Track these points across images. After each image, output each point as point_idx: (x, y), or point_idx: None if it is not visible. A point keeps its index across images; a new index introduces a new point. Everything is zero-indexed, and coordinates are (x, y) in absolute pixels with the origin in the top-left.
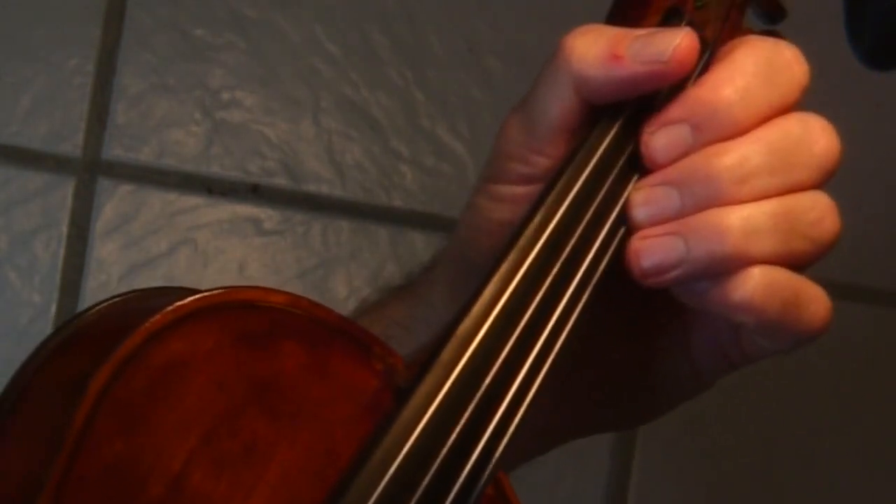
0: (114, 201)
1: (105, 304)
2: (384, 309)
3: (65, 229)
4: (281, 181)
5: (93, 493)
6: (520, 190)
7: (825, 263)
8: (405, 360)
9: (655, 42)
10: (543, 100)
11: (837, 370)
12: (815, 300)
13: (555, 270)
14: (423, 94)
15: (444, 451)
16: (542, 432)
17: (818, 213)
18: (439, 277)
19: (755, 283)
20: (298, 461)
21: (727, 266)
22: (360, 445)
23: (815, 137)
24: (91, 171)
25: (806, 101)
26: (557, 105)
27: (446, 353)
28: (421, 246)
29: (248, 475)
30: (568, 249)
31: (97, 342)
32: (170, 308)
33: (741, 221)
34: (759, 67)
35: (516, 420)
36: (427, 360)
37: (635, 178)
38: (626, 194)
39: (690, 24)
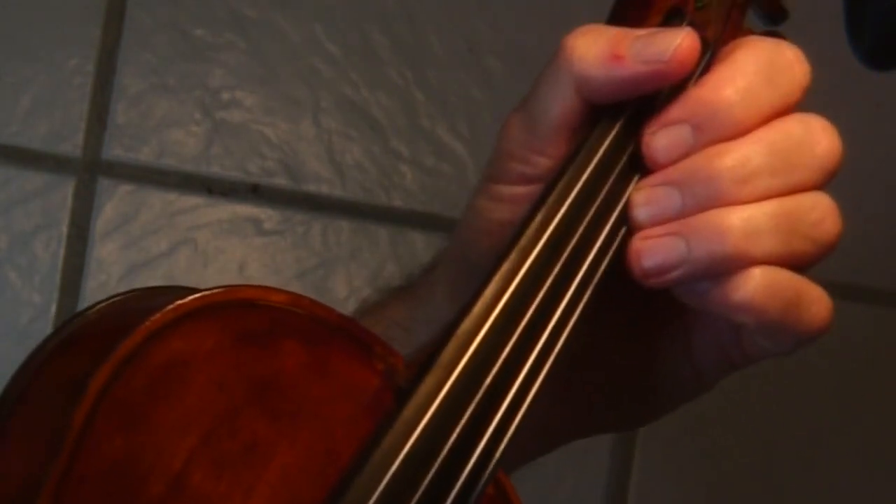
0: (114, 201)
1: (105, 303)
2: (384, 310)
3: (65, 229)
4: (281, 181)
5: (93, 493)
6: (521, 190)
7: (825, 263)
8: (406, 360)
9: (656, 42)
10: (544, 99)
11: (837, 370)
12: (816, 301)
13: (556, 270)
14: (423, 94)
15: (445, 450)
16: (542, 433)
17: (819, 213)
18: (440, 278)
19: (756, 284)
20: (299, 461)
21: (728, 266)
22: (361, 445)
23: (817, 138)
24: (91, 171)
25: (806, 102)
26: (558, 105)
27: (447, 353)
28: (421, 246)
29: (248, 475)
30: (569, 249)
31: (97, 342)
32: (170, 307)
33: (742, 222)
34: (761, 68)
35: (517, 420)
36: (428, 359)
37: (636, 178)
38: (627, 194)
39: (691, 24)
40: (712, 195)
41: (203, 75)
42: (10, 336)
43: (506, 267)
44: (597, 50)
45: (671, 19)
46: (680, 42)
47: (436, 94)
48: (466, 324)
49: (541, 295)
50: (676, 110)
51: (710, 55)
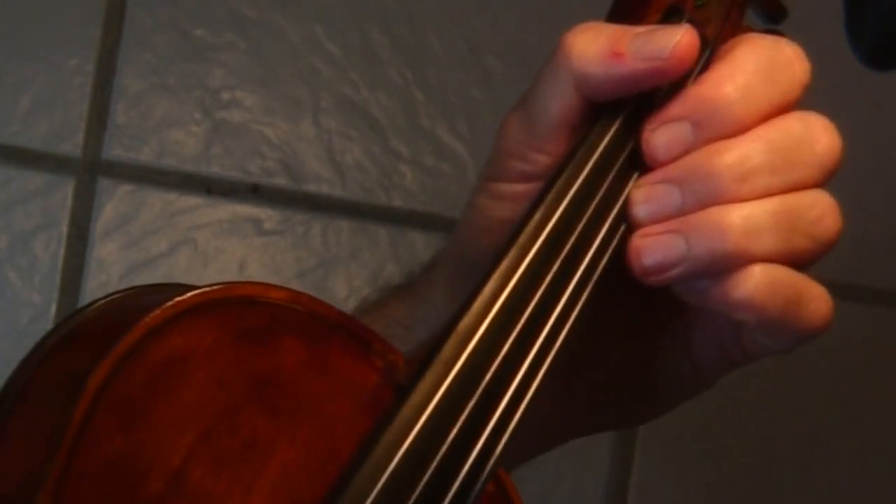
0: (114, 201)
1: (104, 300)
2: (384, 308)
3: (65, 229)
4: (281, 181)
5: (92, 490)
6: (520, 188)
7: (825, 263)
8: (405, 357)
9: (656, 39)
10: (544, 97)
11: (837, 370)
12: (816, 298)
13: (555, 268)
14: (423, 94)
15: (445, 447)
16: (542, 431)
17: (819, 211)
18: (440, 277)
19: (756, 282)
20: (298, 458)
21: (728, 264)
22: (360, 442)
23: (817, 136)
24: (91, 171)
25: (806, 102)
26: (558, 102)
27: (446, 350)
28: (421, 246)
29: (247, 472)
30: (568, 247)
31: (96, 338)
32: (169, 304)
33: (742, 220)
34: (760, 65)
35: (516, 417)
36: (427, 356)
37: (636, 175)
38: (626, 192)
39: (691, 22)
40: (712, 193)
41: (203, 75)
42: (10, 336)
43: (505, 264)
44: (596, 47)
45: (670, 17)
46: (679, 39)
47: (436, 94)
48: (466, 321)
49: (540, 292)
50: (676, 107)
51: (709, 53)
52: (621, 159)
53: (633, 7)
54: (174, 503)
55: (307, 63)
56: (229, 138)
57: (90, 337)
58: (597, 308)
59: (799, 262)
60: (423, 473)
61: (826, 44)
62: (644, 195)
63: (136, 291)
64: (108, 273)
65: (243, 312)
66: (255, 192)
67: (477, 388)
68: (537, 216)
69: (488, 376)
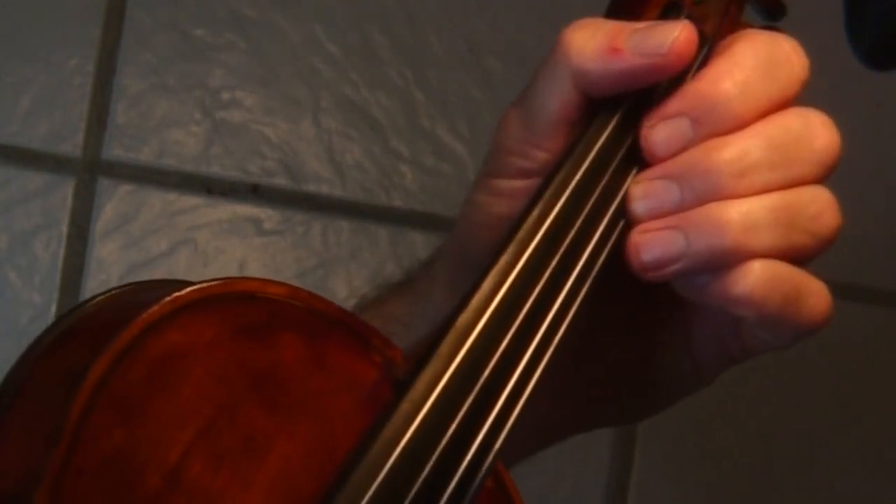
0: (114, 201)
1: (103, 296)
2: (383, 306)
3: (65, 229)
4: (281, 181)
5: (91, 486)
6: (519, 184)
7: (825, 263)
8: (404, 353)
9: (654, 34)
10: (542, 93)
11: (837, 370)
12: (815, 294)
13: (553, 263)
14: (423, 94)
15: (443, 443)
16: (540, 428)
17: (818, 207)
18: (439, 273)
19: (756, 277)
20: (297, 453)
21: (727, 260)
22: (359, 437)
23: (816, 132)
24: (91, 171)
25: (806, 102)
26: (556, 99)
27: (445, 346)
28: (421, 246)
29: (246, 467)
30: (567, 242)
31: (95, 334)
32: (167, 299)
33: (741, 216)
34: (759, 61)
35: (515, 412)
36: (426, 352)
37: (634, 171)
38: (625, 188)
39: (689, 18)
40: (711, 189)
41: (203, 75)
42: (10, 336)
43: (504, 260)
44: (594, 43)
45: (668, 13)
46: (678, 34)
47: (436, 94)
48: (464, 317)
49: (539, 288)
50: (675, 103)
51: (707, 49)
52: (620, 155)
53: (631, 3)
54: (173, 498)
55: (307, 63)
56: (229, 138)
57: (89, 333)
58: (596, 304)
59: (798, 257)
60: (422, 469)
61: (826, 44)
62: (643, 191)
63: (134, 287)
64: (108, 273)
65: (242, 308)
66: (255, 192)
67: (475, 383)
68: (536, 212)
69: (487, 372)
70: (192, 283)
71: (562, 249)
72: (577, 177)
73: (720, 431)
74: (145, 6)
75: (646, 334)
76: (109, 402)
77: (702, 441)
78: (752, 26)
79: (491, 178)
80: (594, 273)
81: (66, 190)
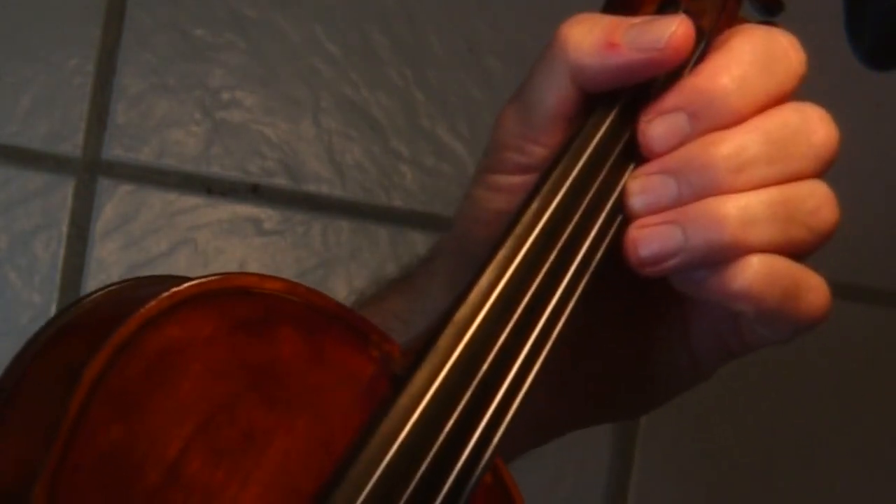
0: (114, 201)
1: (101, 292)
2: (382, 302)
3: (65, 229)
4: (281, 181)
5: (89, 482)
6: (517, 179)
7: (825, 264)
8: (402, 348)
9: (651, 29)
10: (539, 89)
11: (837, 370)
12: (814, 288)
13: (551, 258)
14: (423, 94)
15: (441, 438)
16: (539, 424)
17: (816, 201)
18: (438, 270)
19: (754, 272)
20: (296, 448)
21: (725, 255)
22: (357, 432)
23: (814, 127)
24: (91, 171)
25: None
26: (553, 94)
27: (443, 341)
28: (421, 246)
29: (244, 463)
30: (564, 238)
31: (93, 330)
32: (165, 294)
33: (739, 210)
34: (756, 56)
35: (513, 407)
36: (424, 347)
37: (632, 166)
38: (622, 183)
39: (686, 13)
40: (708, 184)
41: (203, 75)
42: (10, 336)
43: (501, 255)
44: (592, 38)
45: (666, 8)
46: (675, 29)
47: (436, 94)
48: (462, 311)
49: (536, 283)
50: (672, 98)
51: (705, 44)
52: (617, 150)
53: None
54: (171, 494)
55: (307, 63)
56: (229, 138)
57: (86, 328)
58: (593, 300)
59: (796, 252)
60: (420, 464)
61: (826, 44)
62: (640, 186)
63: (132, 283)
64: (108, 273)
65: (240, 303)
66: (255, 192)
67: (473, 378)
68: (533, 207)
69: (485, 367)
70: (189, 279)
71: (559, 244)
72: (575, 172)
73: (720, 432)
74: (145, 6)
75: (643, 330)
76: (107, 398)
77: (702, 441)
78: (749, 22)
79: (488, 174)
80: (592, 268)
81: (66, 190)
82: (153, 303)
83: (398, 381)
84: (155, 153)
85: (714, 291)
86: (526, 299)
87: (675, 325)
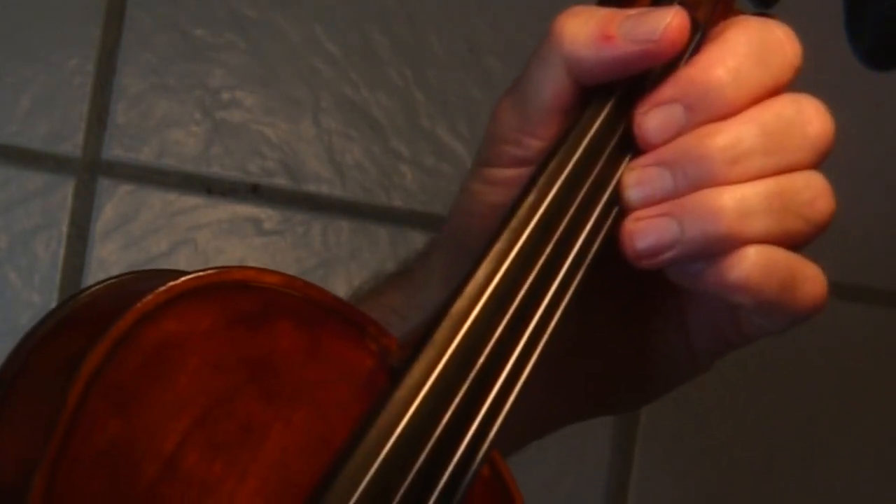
0: (114, 201)
1: (98, 286)
2: (380, 297)
3: (65, 229)
4: (281, 181)
5: (86, 476)
6: (513, 173)
7: (825, 264)
8: (399, 341)
9: (646, 21)
10: (535, 81)
11: (837, 369)
12: (810, 278)
13: (547, 251)
14: (423, 94)
15: (439, 430)
16: (536, 419)
17: (812, 192)
18: (435, 264)
19: (751, 263)
20: (293, 442)
21: (722, 246)
22: (355, 425)
23: (809, 118)
24: (91, 171)
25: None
26: (549, 86)
27: (440, 333)
28: (421, 246)
29: (242, 456)
30: (560, 230)
31: (91, 323)
32: (162, 288)
33: (735, 202)
34: (751, 48)
35: (511, 400)
36: (420, 340)
37: (627, 158)
38: (618, 175)
39: (682, 5)
40: (704, 175)
41: (203, 75)
42: (10, 336)
43: (497, 248)
44: (587, 30)
45: (661, 0)
46: (670, 21)
47: (436, 94)
48: (459, 304)
49: (533, 276)
50: (668, 90)
51: (700, 36)
52: (613, 142)
53: None
54: (169, 488)
55: (307, 63)
56: (229, 138)
57: (85, 322)
58: (591, 297)
59: (792, 243)
60: (417, 456)
61: (826, 43)
62: (636, 178)
63: (131, 277)
64: (107, 273)
65: (237, 297)
66: (255, 192)
67: (471, 370)
68: (529, 200)
69: (482, 359)
70: (187, 273)
71: (556, 237)
72: (571, 164)
73: (720, 430)
74: (145, 6)
75: (641, 325)
76: (105, 392)
77: (702, 439)
78: (744, 14)
79: (485, 167)
80: (588, 261)
81: (66, 190)
82: (150, 297)
83: (396, 374)
84: (155, 153)
85: (711, 283)
86: (522, 292)
87: (672, 317)
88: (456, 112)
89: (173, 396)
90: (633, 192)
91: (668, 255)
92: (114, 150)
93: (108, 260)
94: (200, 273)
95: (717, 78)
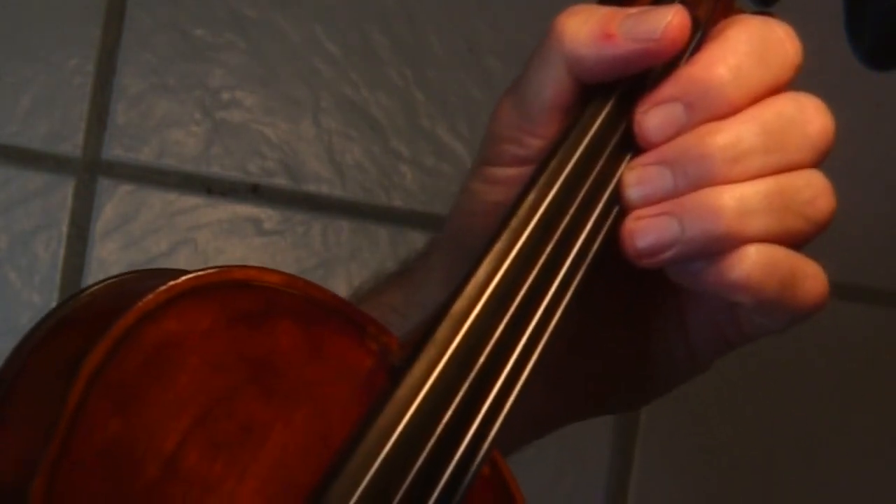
0: (114, 201)
1: (98, 285)
2: (380, 296)
3: (65, 229)
4: (281, 181)
5: (87, 476)
6: (513, 172)
7: (825, 264)
8: (399, 340)
9: (647, 19)
10: (536, 80)
11: (837, 369)
12: (811, 276)
13: (548, 250)
14: (423, 94)
15: (439, 430)
16: (537, 419)
17: (813, 191)
18: (436, 263)
19: (752, 262)
20: (294, 441)
21: (722, 245)
22: (355, 425)
23: (809, 117)
24: (91, 171)
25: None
26: (550, 85)
27: (440, 333)
28: (421, 246)
29: (243, 455)
30: (561, 229)
31: (90, 323)
32: (163, 288)
33: (735, 201)
34: (752, 46)
35: (511, 399)
36: (421, 339)
37: (628, 157)
38: (618, 174)
39: (682, 3)
40: (704, 174)
41: (203, 75)
42: (10, 336)
43: (498, 247)
44: (587, 29)
45: None
46: (671, 19)
47: (436, 94)
48: (460, 303)
49: (533, 275)
50: (668, 88)
51: (700, 35)
52: (613, 141)
53: None
54: (169, 487)
55: (307, 63)
56: (229, 138)
57: (85, 321)
58: (592, 296)
59: (793, 241)
60: (418, 456)
61: (826, 43)
62: (636, 177)
63: (130, 276)
64: (107, 273)
65: (238, 296)
66: (255, 192)
67: (471, 370)
68: (530, 199)
69: (482, 359)
70: (187, 272)
71: (556, 236)
72: (571, 163)
73: (720, 430)
74: (145, 6)
75: (641, 325)
76: (105, 392)
77: (702, 438)
78: (745, 12)
79: (485, 166)
80: (589, 260)
81: (66, 190)
82: (151, 296)
83: (396, 373)
84: (155, 153)
85: (711, 282)
86: (522, 291)
87: (672, 316)
88: (456, 112)
89: (174, 396)
90: (633, 191)
91: (669, 254)
92: (114, 150)
93: (108, 260)
94: (201, 272)
95: (718, 76)
